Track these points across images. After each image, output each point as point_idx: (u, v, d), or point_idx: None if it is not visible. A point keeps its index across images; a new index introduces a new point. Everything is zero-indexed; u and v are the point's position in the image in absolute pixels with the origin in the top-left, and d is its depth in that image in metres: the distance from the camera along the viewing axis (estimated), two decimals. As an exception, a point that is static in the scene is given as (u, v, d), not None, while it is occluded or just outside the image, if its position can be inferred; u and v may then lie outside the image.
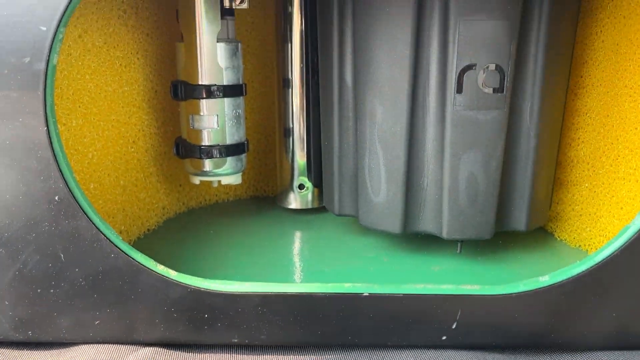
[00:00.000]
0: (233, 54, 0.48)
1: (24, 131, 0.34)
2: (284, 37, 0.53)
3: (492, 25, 0.39)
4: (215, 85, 0.48)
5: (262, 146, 0.61)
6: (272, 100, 0.58)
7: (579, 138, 0.49)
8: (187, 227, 0.54)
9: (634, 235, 0.36)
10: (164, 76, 0.52)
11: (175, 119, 0.53)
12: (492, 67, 0.40)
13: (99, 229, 0.35)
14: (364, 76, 0.44)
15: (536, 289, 0.37)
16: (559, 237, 0.51)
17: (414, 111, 0.42)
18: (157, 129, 0.53)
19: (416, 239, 0.50)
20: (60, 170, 0.34)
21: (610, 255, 0.36)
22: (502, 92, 0.41)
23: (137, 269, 0.36)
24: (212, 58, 0.47)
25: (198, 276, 0.38)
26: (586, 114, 0.49)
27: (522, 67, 0.41)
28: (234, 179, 0.52)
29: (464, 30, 0.40)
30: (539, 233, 0.52)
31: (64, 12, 0.32)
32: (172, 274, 0.37)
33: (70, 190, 0.35)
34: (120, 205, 0.49)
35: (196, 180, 0.51)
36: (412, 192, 0.44)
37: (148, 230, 0.53)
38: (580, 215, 0.50)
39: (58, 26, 0.33)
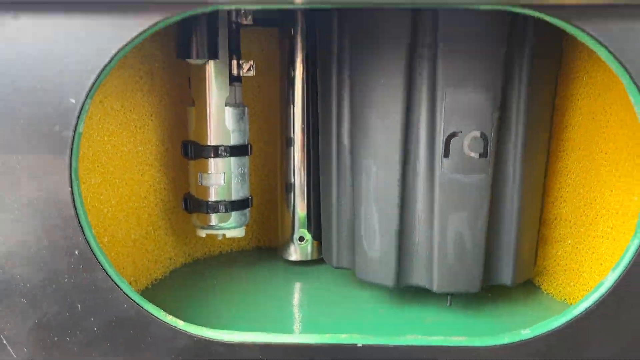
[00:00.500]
0: (240, 117, 0.52)
1: (50, 190, 0.37)
2: (287, 99, 0.58)
3: (475, 95, 0.43)
4: (223, 146, 0.52)
5: (265, 200, 0.65)
6: (275, 158, 0.62)
7: (560, 197, 0.53)
8: (192, 277, 0.57)
9: (608, 290, 0.39)
10: (175, 137, 0.56)
11: (184, 176, 0.57)
12: (477, 134, 0.44)
13: (114, 281, 0.39)
14: (359, 139, 0.48)
15: (518, 341, 0.39)
16: (545, 290, 0.54)
17: (405, 173, 0.46)
18: (167, 185, 0.56)
19: (409, 292, 0.53)
20: (81, 227, 0.38)
21: (586, 309, 0.39)
22: (486, 157, 0.45)
23: (147, 319, 0.39)
24: (221, 121, 0.51)
25: (203, 325, 0.41)
26: (567, 175, 0.52)
27: (504, 134, 0.45)
28: (238, 232, 0.55)
29: (450, 100, 0.44)
30: (527, 286, 0.55)
31: (92, 86, 0.37)
32: (180, 324, 0.40)
33: (89, 245, 0.38)
34: (130, 258, 0.52)
35: (202, 233, 0.54)
36: (405, 248, 0.47)
37: (155, 280, 0.56)
38: (565, 270, 0.52)
39: (86, 99, 0.37)
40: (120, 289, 0.39)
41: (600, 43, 0.34)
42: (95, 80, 0.36)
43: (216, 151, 0.51)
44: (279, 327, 0.46)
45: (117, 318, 0.39)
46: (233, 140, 0.52)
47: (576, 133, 0.51)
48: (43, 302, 0.39)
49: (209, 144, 0.51)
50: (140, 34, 0.35)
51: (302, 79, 0.57)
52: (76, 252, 0.38)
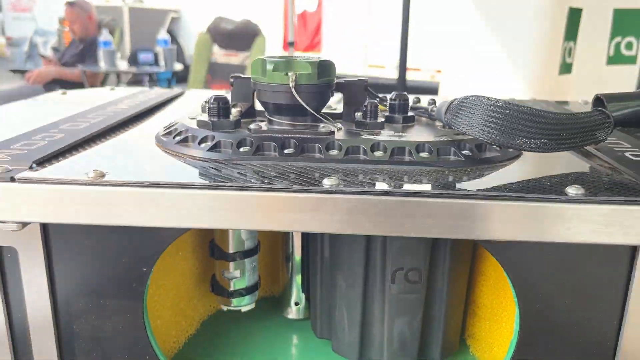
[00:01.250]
0: (254, 232, 0.72)
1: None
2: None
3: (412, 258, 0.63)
4: (239, 252, 0.72)
5: (271, 260, 0.86)
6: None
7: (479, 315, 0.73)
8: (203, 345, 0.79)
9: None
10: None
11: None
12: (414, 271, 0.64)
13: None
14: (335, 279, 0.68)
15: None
16: (472, 353, 0.76)
17: (366, 293, 0.66)
18: (199, 269, 0.77)
19: None
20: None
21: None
22: (420, 283, 0.65)
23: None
24: (238, 236, 0.71)
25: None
26: (482, 306, 0.72)
27: (432, 280, 0.65)
28: (250, 307, 0.76)
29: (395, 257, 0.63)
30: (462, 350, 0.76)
31: (158, 256, 0.56)
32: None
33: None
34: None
35: (224, 308, 0.75)
36: (365, 338, 0.68)
37: (190, 335, 0.78)
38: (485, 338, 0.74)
39: (155, 263, 0.57)
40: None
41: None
42: (162, 250, 0.56)
43: (234, 257, 0.72)
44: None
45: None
46: (247, 246, 0.72)
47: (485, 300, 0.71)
48: None
49: (229, 251, 0.71)
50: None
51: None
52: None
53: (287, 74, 0.58)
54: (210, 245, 0.73)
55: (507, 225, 0.49)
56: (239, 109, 0.66)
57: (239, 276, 0.73)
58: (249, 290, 0.74)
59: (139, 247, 0.55)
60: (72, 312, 0.57)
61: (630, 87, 1.92)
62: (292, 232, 0.76)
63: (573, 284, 0.53)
